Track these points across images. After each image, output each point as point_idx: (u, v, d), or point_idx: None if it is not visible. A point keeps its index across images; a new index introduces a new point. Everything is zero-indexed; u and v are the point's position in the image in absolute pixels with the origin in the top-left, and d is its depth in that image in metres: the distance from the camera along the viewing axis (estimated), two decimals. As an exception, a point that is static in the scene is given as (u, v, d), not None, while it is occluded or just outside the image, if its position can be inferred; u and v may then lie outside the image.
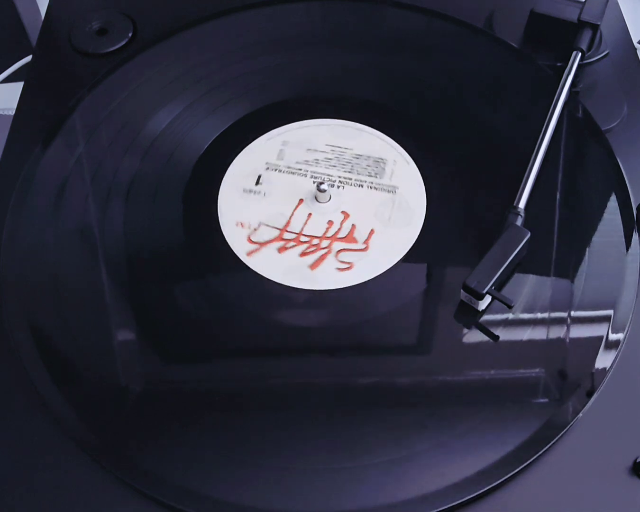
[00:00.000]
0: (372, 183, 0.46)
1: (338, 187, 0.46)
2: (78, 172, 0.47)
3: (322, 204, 0.45)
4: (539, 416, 0.37)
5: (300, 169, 0.47)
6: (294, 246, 0.44)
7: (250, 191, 0.46)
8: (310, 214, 0.45)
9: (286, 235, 0.44)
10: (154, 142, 0.48)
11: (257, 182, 0.46)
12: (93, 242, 0.44)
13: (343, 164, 0.47)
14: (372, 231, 0.44)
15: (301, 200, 0.46)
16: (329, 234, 0.44)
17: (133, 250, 0.44)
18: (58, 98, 0.51)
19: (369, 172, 0.47)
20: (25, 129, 0.50)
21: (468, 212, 0.45)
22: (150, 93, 0.51)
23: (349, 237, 0.44)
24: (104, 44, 0.55)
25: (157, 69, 0.53)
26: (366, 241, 0.44)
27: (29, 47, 0.69)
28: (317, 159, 0.48)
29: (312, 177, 0.47)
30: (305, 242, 0.44)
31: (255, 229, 0.44)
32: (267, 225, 0.45)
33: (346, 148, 0.48)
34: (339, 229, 0.44)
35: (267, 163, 0.48)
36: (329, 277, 0.42)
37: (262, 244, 0.44)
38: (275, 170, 0.47)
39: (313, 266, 0.43)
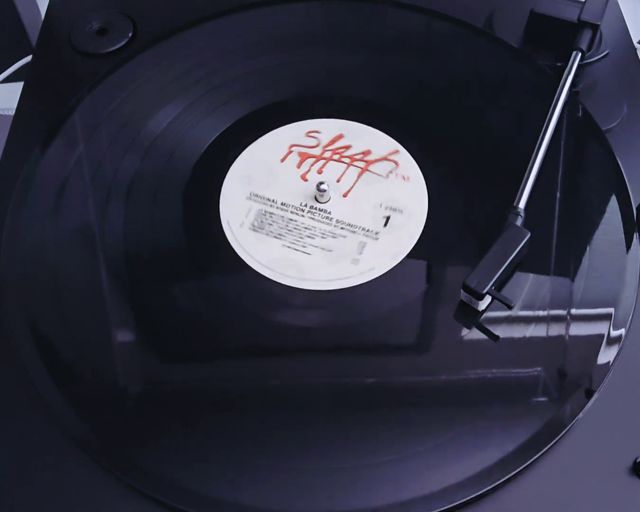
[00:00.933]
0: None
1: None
2: (78, 172, 0.47)
3: (322, 203, 0.46)
4: (539, 416, 0.37)
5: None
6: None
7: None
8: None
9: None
10: (154, 142, 0.48)
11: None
12: (93, 242, 0.44)
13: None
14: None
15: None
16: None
17: (133, 251, 0.44)
18: (58, 98, 0.51)
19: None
20: (25, 129, 0.50)
21: (468, 212, 0.45)
22: (150, 93, 0.51)
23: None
24: (104, 44, 0.55)
25: (157, 69, 0.53)
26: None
27: (29, 47, 0.69)
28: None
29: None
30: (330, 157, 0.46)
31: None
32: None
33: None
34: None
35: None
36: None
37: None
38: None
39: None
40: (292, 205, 0.46)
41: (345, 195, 0.46)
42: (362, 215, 0.45)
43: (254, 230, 0.44)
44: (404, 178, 0.45)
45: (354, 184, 0.46)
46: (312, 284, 0.42)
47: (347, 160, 0.47)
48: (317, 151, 0.47)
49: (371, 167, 0.46)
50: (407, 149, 0.48)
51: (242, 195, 0.46)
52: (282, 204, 0.46)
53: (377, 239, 0.44)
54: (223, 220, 0.45)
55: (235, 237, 0.44)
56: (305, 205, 0.45)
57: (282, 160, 0.47)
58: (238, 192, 0.46)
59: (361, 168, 0.46)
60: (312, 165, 0.47)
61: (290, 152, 0.48)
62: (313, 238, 0.44)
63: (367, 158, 0.47)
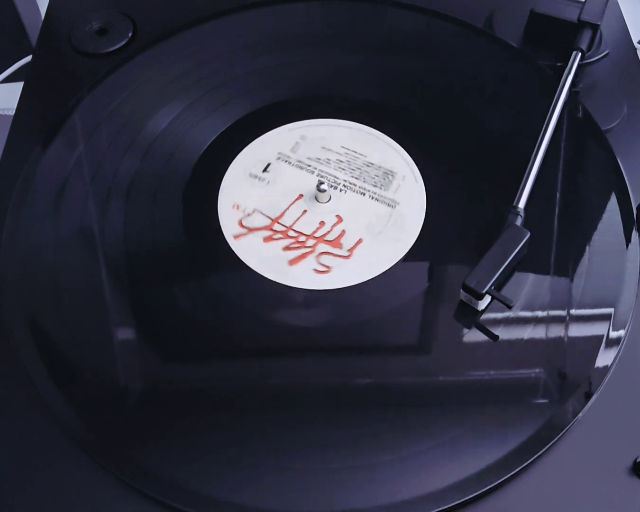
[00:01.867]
0: (374, 194, 0.46)
1: (340, 190, 0.46)
2: (78, 172, 0.47)
3: (320, 204, 0.45)
4: (539, 416, 0.37)
5: (310, 166, 0.47)
6: (280, 239, 0.44)
7: (256, 177, 0.46)
8: (305, 211, 0.45)
9: (276, 227, 0.44)
10: (154, 142, 0.48)
11: (265, 170, 0.46)
12: (93, 242, 0.44)
13: (352, 169, 0.47)
14: (359, 241, 0.44)
15: (300, 195, 0.46)
16: (317, 234, 0.44)
17: (133, 251, 0.44)
18: (58, 98, 0.51)
19: (375, 183, 0.47)
20: (25, 129, 0.50)
21: (468, 212, 0.45)
22: (150, 93, 0.51)
23: (336, 242, 0.44)
24: (104, 44, 0.55)
25: (157, 69, 0.53)
26: (351, 249, 0.43)
27: (29, 47, 0.69)
28: (329, 159, 0.48)
29: (318, 175, 0.47)
30: (292, 237, 0.44)
31: (248, 215, 0.44)
32: (261, 213, 0.45)
33: (360, 154, 0.48)
34: (329, 231, 0.44)
35: (279, 153, 0.48)
36: (304, 276, 0.42)
37: (250, 229, 0.44)
38: (286, 161, 0.48)
39: (292, 261, 0.43)
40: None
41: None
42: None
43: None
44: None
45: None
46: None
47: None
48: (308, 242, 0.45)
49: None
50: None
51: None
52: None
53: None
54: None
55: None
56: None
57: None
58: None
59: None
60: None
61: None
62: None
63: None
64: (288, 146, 0.48)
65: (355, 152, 0.48)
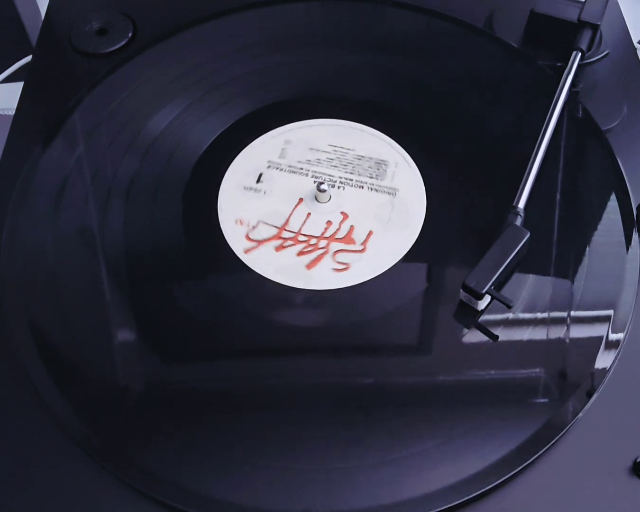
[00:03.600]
0: (372, 184, 0.46)
1: (338, 187, 0.46)
2: (78, 172, 0.47)
3: (322, 204, 0.45)
4: (539, 416, 0.37)
5: (302, 168, 0.47)
6: (291, 245, 0.44)
7: (251, 189, 0.46)
8: (309, 214, 0.45)
9: (284, 234, 0.44)
10: (154, 142, 0.48)
11: (258, 180, 0.46)
12: (93, 242, 0.44)
13: (345, 165, 0.47)
14: (370, 233, 0.44)
15: (301, 199, 0.46)
16: (327, 234, 0.44)
17: (133, 251, 0.44)
18: (58, 98, 0.51)
19: (370, 174, 0.47)
20: (25, 129, 0.50)
21: (468, 212, 0.45)
22: (150, 93, 0.51)
23: (347, 238, 0.44)
24: (104, 44, 0.55)
25: (157, 69, 0.53)
26: (364, 242, 0.44)
27: (29, 47, 0.69)
28: (319, 159, 0.48)
29: (313, 176, 0.47)
30: (303, 241, 0.44)
31: (253, 227, 0.44)
32: (266, 223, 0.45)
33: (348, 149, 0.48)
34: (338, 229, 0.44)
35: (269, 161, 0.48)
36: (325, 277, 0.42)
37: (260, 242, 0.44)
38: (277, 168, 0.47)
39: (310, 265, 0.43)
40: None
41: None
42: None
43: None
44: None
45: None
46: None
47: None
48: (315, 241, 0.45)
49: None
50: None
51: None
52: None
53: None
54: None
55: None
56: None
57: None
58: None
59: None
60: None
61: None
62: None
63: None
64: (275, 153, 0.48)
65: (343, 147, 0.48)
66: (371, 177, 0.47)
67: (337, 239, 0.44)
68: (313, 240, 0.44)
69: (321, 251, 0.43)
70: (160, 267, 0.43)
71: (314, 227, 0.45)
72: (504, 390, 0.38)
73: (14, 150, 0.48)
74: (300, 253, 0.43)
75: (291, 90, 0.52)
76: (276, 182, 0.47)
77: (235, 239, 0.44)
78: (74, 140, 0.48)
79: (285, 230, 0.44)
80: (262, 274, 0.42)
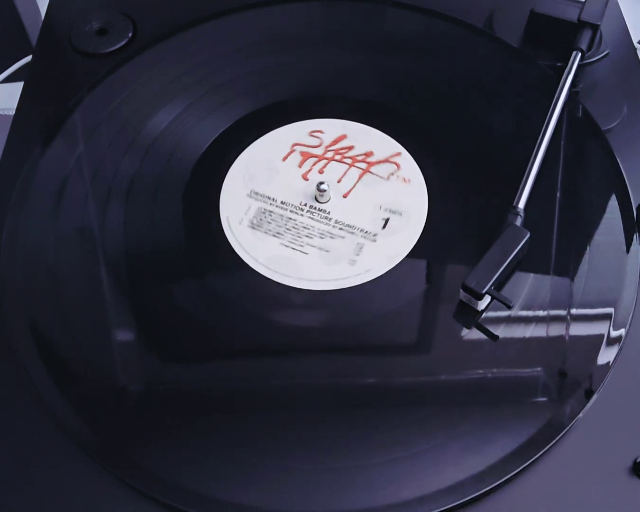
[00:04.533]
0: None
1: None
2: (78, 172, 0.47)
3: (321, 204, 0.46)
4: (539, 416, 0.37)
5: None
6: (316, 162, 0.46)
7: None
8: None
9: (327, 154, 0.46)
10: (154, 142, 0.48)
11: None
12: (93, 242, 0.44)
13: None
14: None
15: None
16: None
17: (133, 251, 0.44)
18: (58, 98, 0.51)
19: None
20: (25, 129, 0.50)
21: (468, 211, 0.45)
22: (150, 93, 0.51)
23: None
24: (104, 44, 0.55)
25: (157, 69, 0.53)
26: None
27: (29, 47, 0.69)
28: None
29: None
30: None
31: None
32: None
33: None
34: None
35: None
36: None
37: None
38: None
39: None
40: (292, 205, 0.46)
41: (345, 196, 0.46)
42: (361, 217, 0.45)
43: (252, 227, 0.45)
44: (404, 180, 0.45)
45: (355, 185, 0.46)
46: (312, 284, 0.42)
47: (348, 161, 0.47)
48: (319, 151, 0.48)
49: (372, 169, 0.46)
50: (407, 148, 0.48)
51: (242, 193, 0.46)
52: (281, 202, 0.46)
53: (375, 240, 0.44)
54: (223, 220, 0.45)
55: (235, 237, 0.44)
56: (305, 204, 0.45)
57: (284, 159, 0.47)
58: (238, 192, 0.46)
59: (362, 169, 0.46)
60: (314, 165, 0.47)
61: (293, 151, 0.48)
62: (311, 238, 0.44)
63: (369, 159, 0.47)
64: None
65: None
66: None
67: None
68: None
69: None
70: (160, 267, 0.43)
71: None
72: (504, 390, 0.38)
73: (14, 150, 0.48)
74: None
75: (291, 90, 0.52)
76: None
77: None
78: (74, 140, 0.49)
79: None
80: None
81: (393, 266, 0.43)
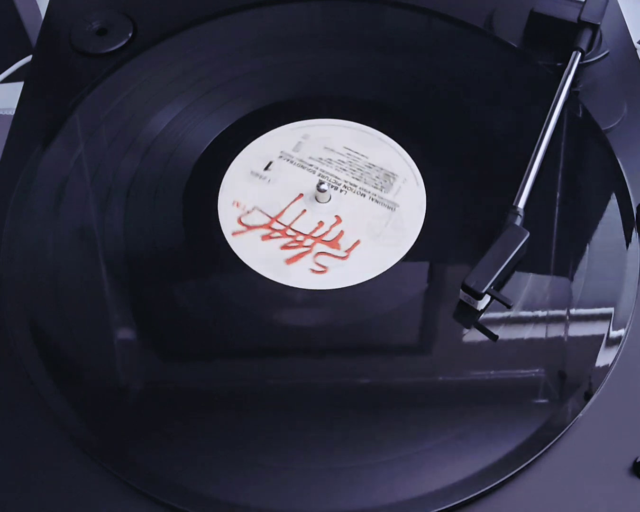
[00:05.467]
0: (375, 195, 0.46)
1: (341, 191, 0.46)
2: (78, 172, 0.47)
3: (320, 204, 0.45)
4: (539, 416, 0.37)
5: (312, 165, 0.47)
6: (278, 237, 0.44)
7: (257, 175, 0.47)
8: (304, 211, 0.45)
9: (275, 225, 0.44)
10: (154, 142, 0.48)
11: (267, 168, 0.47)
12: (93, 242, 0.44)
13: (354, 170, 0.47)
14: (357, 242, 0.44)
15: (301, 194, 0.46)
16: (315, 234, 0.44)
17: (133, 250, 0.44)
18: (58, 98, 0.51)
19: (375, 184, 0.47)
20: (25, 129, 0.50)
21: (467, 211, 0.45)
22: (150, 93, 0.51)
23: (334, 242, 0.44)
24: (104, 44, 0.55)
25: (157, 69, 0.53)
26: (348, 250, 0.43)
27: (29, 47, 0.69)
28: (331, 159, 0.48)
29: (319, 175, 0.47)
30: (290, 236, 0.44)
31: (248, 212, 0.45)
32: (261, 211, 0.45)
33: (362, 155, 0.48)
34: (327, 232, 0.44)
35: (282, 152, 0.48)
36: (301, 276, 0.42)
37: (249, 227, 0.44)
38: (288, 160, 0.48)
39: (289, 260, 0.43)
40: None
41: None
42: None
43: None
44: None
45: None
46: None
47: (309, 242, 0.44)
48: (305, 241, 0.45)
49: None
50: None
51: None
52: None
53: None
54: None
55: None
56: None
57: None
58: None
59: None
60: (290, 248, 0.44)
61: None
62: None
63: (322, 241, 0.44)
64: (291, 145, 0.48)
65: (358, 153, 0.48)
66: (375, 188, 0.46)
67: (323, 240, 0.44)
68: (300, 237, 0.44)
69: (305, 250, 0.43)
70: (161, 267, 0.43)
71: (305, 225, 0.45)
72: (504, 390, 0.38)
73: (14, 150, 0.48)
74: (285, 247, 0.43)
75: (291, 90, 0.52)
76: (283, 173, 0.47)
77: (227, 220, 0.44)
78: (74, 140, 0.49)
79: (277, 221, 0.45)
80: (246, 262, 0.43)
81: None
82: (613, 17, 0.56)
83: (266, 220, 0.44)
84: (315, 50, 0.54)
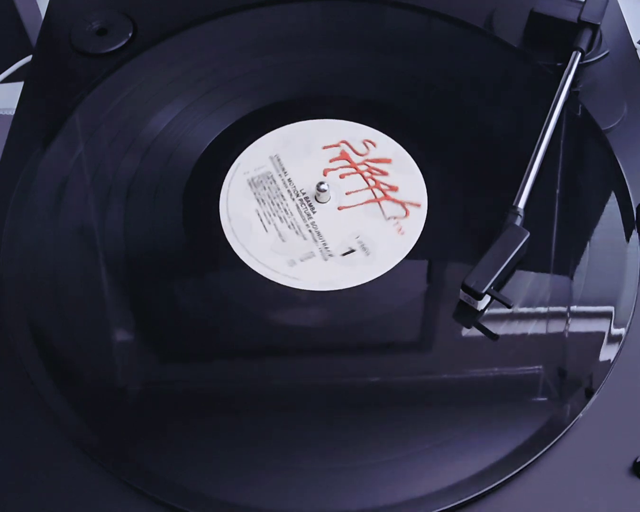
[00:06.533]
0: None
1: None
2: (78, 172, 0.47)
3: (320, 204, 0.46)
4: (539, 416, 0.37)
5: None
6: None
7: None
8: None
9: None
10: (154, 142, 0.49)
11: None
12: (93, 242, 0.44)
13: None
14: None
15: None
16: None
17: (133, 250, 0.44)
18: (58, 98, 0.51)
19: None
20: (25, 129, 0.50)
21: (468, 211, 0.45)
22: (150, 93, 0.51)
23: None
24: (104, 44, 0.55)
25: (157, 69, 0.53)
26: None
27: (29, 47, 0.69)
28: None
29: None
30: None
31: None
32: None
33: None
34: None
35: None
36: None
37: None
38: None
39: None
40: (293, 186, 0.46)
41: (340, 209, 0.45)
42: (334, 233, 0.44)
43: (250, 184, 0.46)
44: (399, 231, 0.44)
45: (356, 205, 0.45)
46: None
47: (372, 182, 0.46)
48: (358, 159, 0.47)
49: (383, 203, 0.45)
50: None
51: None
52: (288, 179, 0.46)
53: (327, 259, 0.43)
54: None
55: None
56: (302, 192, 0.46)
57: (325, 147, 0.48)
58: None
59: (375, 198, 0.45)
60: (342, 167, 0.47)
61: (338, 145, 0.48)
62: (282, 221, 0.45)
63: (389, 193, 0.46)
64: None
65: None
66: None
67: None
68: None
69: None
70: (160, 267, 0.43)
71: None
72: (504, 390, 0.38)
73: (14, 150, 0.48)
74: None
75: (291, 90, 0.52)
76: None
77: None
78: (74, 140, 0.49)
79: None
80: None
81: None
82: (613, 17, 0.56)
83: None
84: (315, 50, 0.54)
